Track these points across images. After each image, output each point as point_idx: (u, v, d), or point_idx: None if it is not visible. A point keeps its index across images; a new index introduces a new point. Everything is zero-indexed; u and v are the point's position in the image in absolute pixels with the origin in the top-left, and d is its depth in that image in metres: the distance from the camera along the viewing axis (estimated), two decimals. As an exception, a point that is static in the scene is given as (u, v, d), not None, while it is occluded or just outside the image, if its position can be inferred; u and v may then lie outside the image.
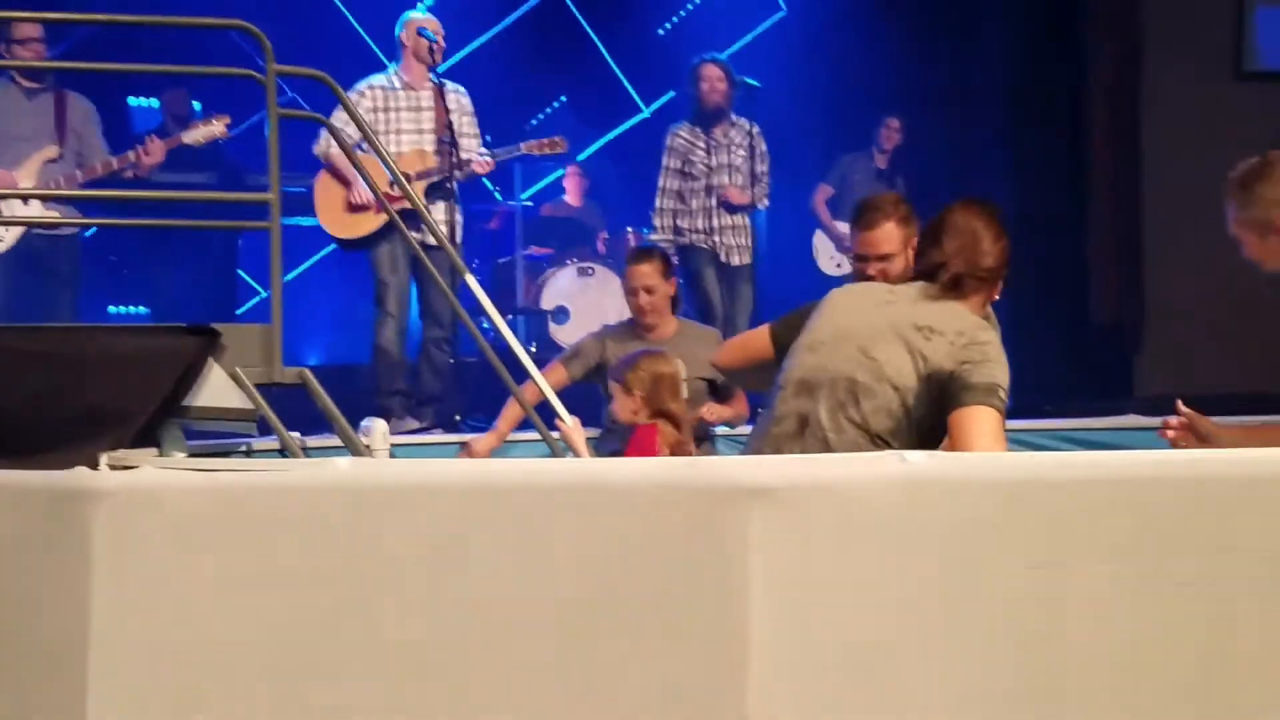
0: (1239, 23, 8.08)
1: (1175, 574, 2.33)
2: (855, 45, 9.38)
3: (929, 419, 3.31)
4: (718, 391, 5.58)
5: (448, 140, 6.63)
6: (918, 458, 2.43)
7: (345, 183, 6.66)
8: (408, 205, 5.30)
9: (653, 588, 2.32)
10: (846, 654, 2.30)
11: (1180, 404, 3.70)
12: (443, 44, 6.81)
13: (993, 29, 8.98)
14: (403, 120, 6.77)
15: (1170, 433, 3.79)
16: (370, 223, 6.65)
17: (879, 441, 3.28)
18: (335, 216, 6.76)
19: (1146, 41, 8.18)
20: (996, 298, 3.63)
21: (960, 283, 3.49)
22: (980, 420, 3.24)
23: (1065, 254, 8.26)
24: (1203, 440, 3.67)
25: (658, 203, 7.68)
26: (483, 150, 6.86)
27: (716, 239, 7.55)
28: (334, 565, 2.51)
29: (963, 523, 2.36)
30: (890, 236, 4.31)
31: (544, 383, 4.41)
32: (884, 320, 3.41)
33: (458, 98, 6.87)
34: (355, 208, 6.66)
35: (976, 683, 2.34)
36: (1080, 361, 7.99)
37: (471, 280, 4.45)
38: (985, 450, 3.17)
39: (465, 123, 6.87)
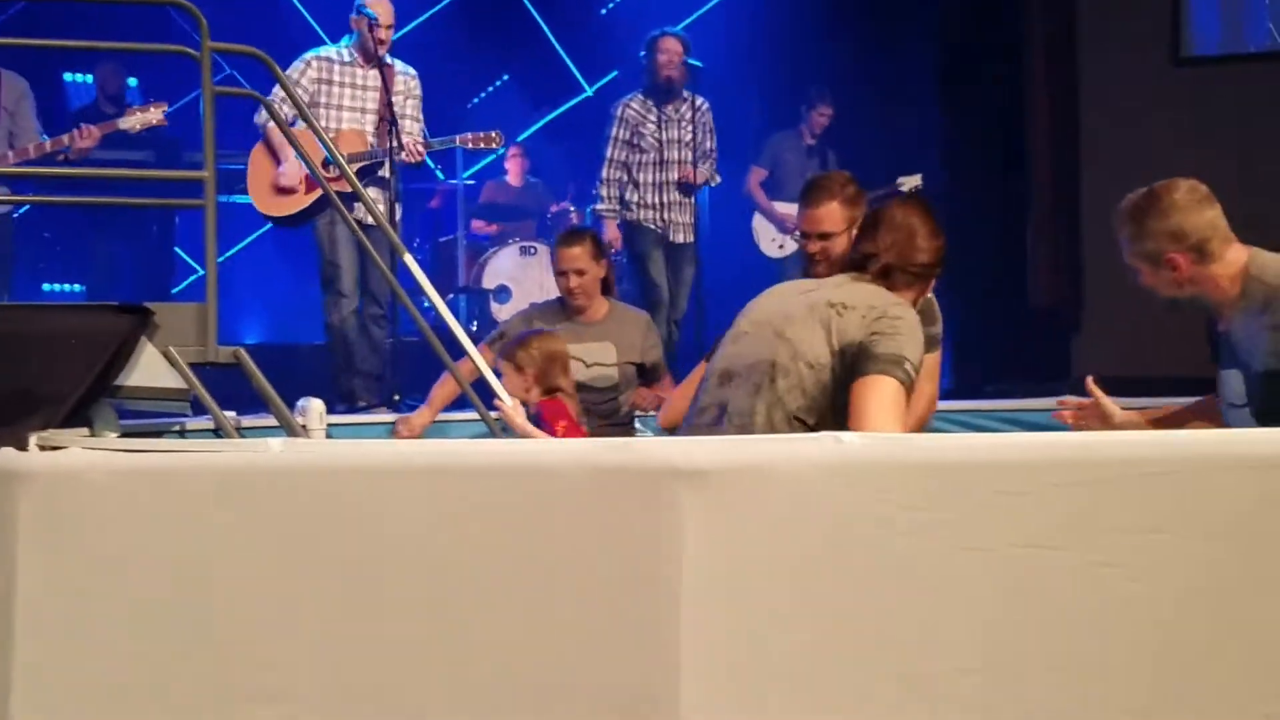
0: (1175, 8, 8.11)
1: (1105, 556, 2.34)
2: (794, 26, 9.40)
3: (846, 396, 3.26)
4: (646, 375, 5.57)
5: (389, 122, 6.56)
6: (853, 439, 2.42)
7: (278, 160, 6.58)
8: (346, 185, 5.25)
9: (586, 569, 2.31)
10: (779, 636, 2.30)
11: (1090, 382, 3.71)
12: (387, 28, 6.67)
13: (929, 10, 9.00)
14: (344, 96, 6.67)
15: (1066, 414, 3.82)
16: (299, 202, 6.57)
17: (795, 421, 3.25)
18: (264, 193, 6.66)
19: (1082, 26, 8.20)
20: (929, 295, 3.63)
21: (890, 274, 3.48)
22: (878, 390, 3.18)
23: (1004, 236, 8.30)
24: (1105, 422, 3.70)
25: (604, 173, 7.55)
26: (418, 140, 6.75)
27: (665, 216, 7.49)
28: (266, 546, 2.49)
29: (896, 505, 2.36)
30: (833, 215, 4.36)
31: (482, 361, 4.40)
32: (802, 304, 3.41)
33: (406, 80, 6.77)
34: (281, 189, 6.58)
35: (911, 665, 2.34)
36: (1019, 343, 8.03)
37: (409, 260, 4.42)
38: (878, 422, 3.11)
39: (410, 106, 6.76)
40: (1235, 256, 3.48)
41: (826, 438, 2.44)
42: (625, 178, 7.50)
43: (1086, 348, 7.98)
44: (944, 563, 2.35)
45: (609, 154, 7.51)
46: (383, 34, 6.63)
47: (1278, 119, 7.63)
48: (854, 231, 4.46)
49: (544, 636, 2.33)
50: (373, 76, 6.64)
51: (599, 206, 7.65)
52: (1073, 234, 8.06)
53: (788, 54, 9.37)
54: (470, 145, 7.10)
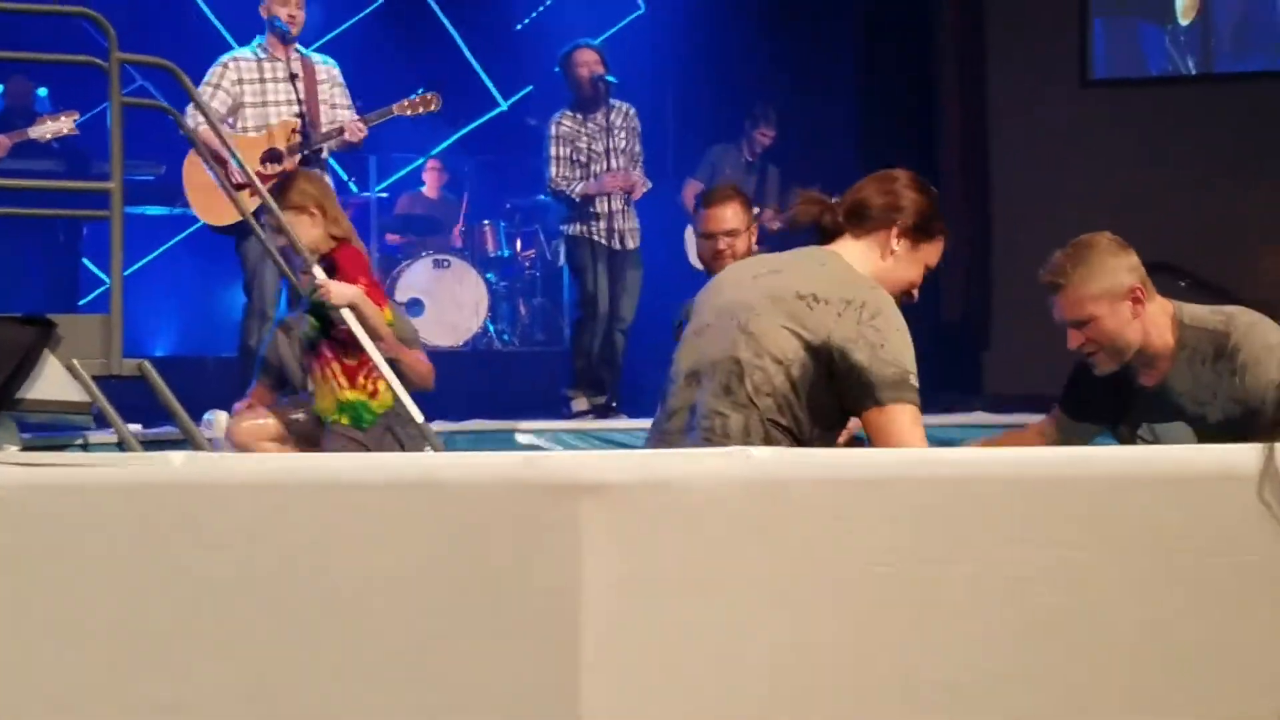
0: (1082, 33, 8.24)
1: (1020, 571, 2.34)
2: (714, 42, 9.44)
3: (823, 397, 3.10)
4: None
5: (319, 110, 6.45)
6: (763, 454, 2.42)
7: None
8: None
9: (485, 585, 2.29)
10: (682, 651, 2.30)
11: None
12: (297, 19, 6.52)
13: (845, 34, 9.09)
14: (267, 92, 6.55)
15: None
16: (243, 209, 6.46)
17: (767, 423, 3.09)
18: (205, 202, 6.48)
19: (993, 50, 8.32)
20: (897, 249, 3.31)
21: (862, 211, 3.30)
22: (897, 424, 3.04)
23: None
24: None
25: (556, 187, 7.48)
26: (356, 119, 6.63)
27: (607, 225, 7.44)
28: (168, 563, 2.45)
29: (805, 521, 2.34)
30: (737, 213, 4.78)
31: (390, 374, 4.34)
32: (765, 292, 3.19)
33: (328, 69, 6.68)
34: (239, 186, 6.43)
35: (816, 683, 2.33)
36: (931, 359, 8.09)
37: (318, 271, 4.38)
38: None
39: (337, 93, 6.65)
40: (1163, 305, 3.47)
41: (736, 452, 2.43)
42: (565, 191, 7.45)
43: (997, 364, 8.07)
44: (851, 578, 2.34)
45: (552, 173, 7.45)
46: (293, 11, 6.47)
47: (1178, 139, 7.77)
48: (753, 231, 4.70)
49: (442, 651, 2.31)
50: (292, 67, 6.52)
51: (568, 228, 7.53)
52: (983, 252, 8.16)
53: (710, 68, 9.41)
54: (410, 112, 6.92)
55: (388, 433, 4.74)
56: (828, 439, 3.17)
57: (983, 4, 8.30)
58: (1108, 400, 3.62)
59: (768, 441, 3.06)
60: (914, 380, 3.07)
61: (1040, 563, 2.35)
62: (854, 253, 3.28)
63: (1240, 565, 2.37)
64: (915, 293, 3.39)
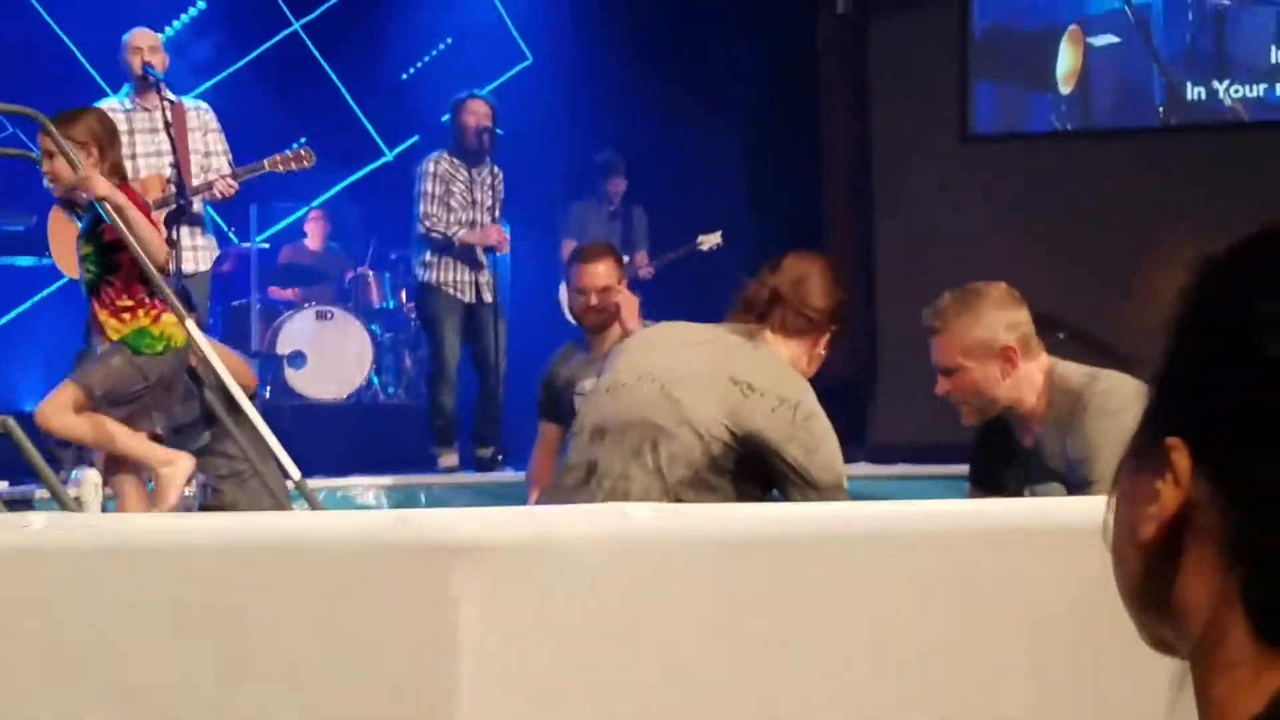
0: (963, 89, 8.38)
1: (910, 630, 2.33)
2: (600, 95, 9.45)
3: (744, 481, 3.10)
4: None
5: (189, 159, 6.32)
6: (640, 512, 2.38)
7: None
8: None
9: (361, 647, 2.23)
10: (560, 714, 2.25)
11: None
12: (151, 49, 6.38)
13: (730, 83, 9.15)
14: (136, 144, 6.40)
15: None
16: None
17: (671, 494, 3.04)
18: (68, 254, 6.34)
19: (875, 103, 8.41)
20: (823, 353, 3.46)
21: (779, 311, 3.34)
22: None
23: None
24: None
25: (426, 227, 7.40)
26: (225, 175, 6.51)
27: (467, 278, 7.38)
28: (26, 631, 2.36)
29: (685, 580, 2.32)
30: (610, 270, 4.90)
31: (263, 426, 4.24)
32: (695, 362, 3.19)
33: (199, 114, 6.53)
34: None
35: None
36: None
37: (191, 325, 4.28)
38: None
39: (211, 139, 6.52)
40: (1041, 363, 3.42)
41: (612, 510, 2.39)
42: (442, 232, 7.36)
43: (881, 415, 8.11)
44: (727, 637, 2.31)
45: (423, 209, 7.36)
46: (148, 56, 6.32)
47: (1057, 194, 7.90)
48: (624, 286, 4.78)
49: (313, 716, 2.24)
50: (158, 117, 6.37)
51: (423, 272, 7.44)
52: (867, 303, 8.21)
53: (594, 120, 9.42)
54: (281, 168, 6.77)
55: (261, 487, 4.64)
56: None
57: (866, 59, 8.40)
58: (1006, 466, 3.56)
59: None
60: (845, 485, 3.16)
61: (917, 617, 2.34)
62: (783, 345, 3.35)
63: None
64: None
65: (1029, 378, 3.38)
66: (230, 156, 6.56)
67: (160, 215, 6.17)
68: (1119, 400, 3.21)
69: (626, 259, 8.02)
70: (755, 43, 9.13)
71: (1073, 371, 3.41)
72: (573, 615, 2.26)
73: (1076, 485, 3.21)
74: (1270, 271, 0.81)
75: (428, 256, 7.37)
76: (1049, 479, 3.39)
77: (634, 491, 3.05)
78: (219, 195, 6.36)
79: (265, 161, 6.63)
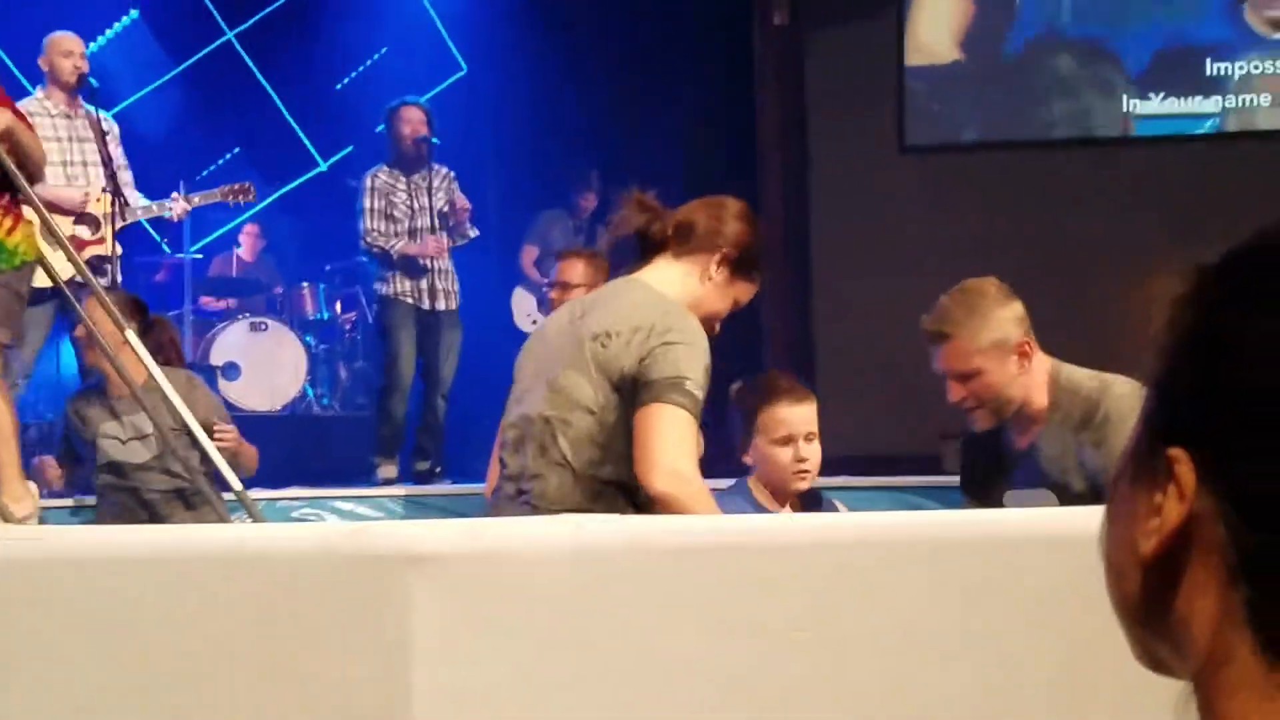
0: (900, 100, 8.43)
1: (861, 635, 2.32)
2: (538, 102, 9.44)
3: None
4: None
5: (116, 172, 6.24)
6: (594, 524, 2.36)
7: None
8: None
9: (313, 660, 2.19)
10: (516, 728, 2.22)
11: None
12: (83, 64, 6.27)
13: (671, 93, 9.16)
14: (73, 151, 6.30)
15: None
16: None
17: (588, 478, 2.98)
18: None
19: (813, 115, 8.45)
20: (722, 281, 3.21)
21: (688, 231, 3.19)
22: (655, 421, 2.88)
23: (738, 315, 8.44)
24: None
25: (370, 243, 7.35)
26: (176, 194, 6.49)
27: (422, 285, 7.33)
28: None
29: (637, 591, 2.30)
30: (586, 270, 5.18)
31: (204, 436, 4.19)
32: (568, 340, 3.10)
33: (111, 124, 6.46)
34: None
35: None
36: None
37: (131, 336, 4.22)
38: (662, 458, 2.84)
39: (119, 153, 6.45)
40: (1043, 360, 3.34)
41: (567, 521, 2.37)
42: (383, 247, 7.32)
43: (821, 430, 8.15)
44: (683, 649, 2.29)
45: (365, 225, 7.33)
46: (79, 61, 6.21)
47: (994, 203, 7.96)
48: (595, 286, 4.86)
49: (267, 735, 2.20)
50: (82, 125, 6.26)
51: (383, 287, 7.40)
52: (804, 313, 8.24)
53: (529, 130, 9.40)
54: (229, 199, 6.79)
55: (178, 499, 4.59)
56: None
57: (803, 70, 8.43)
58: (992, 471, 3.48)
59: (592, 498, 2.99)
60: (690, 387, 2.92)
61: (884, 626, 2.33)
62: (669, 273, 3.20)
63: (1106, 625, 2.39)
64: (717, 326, 3.28)
65: (1038, 374, 3.32)
66: (129, 172, 6.49)
67: (109, 231, 6.11)
68: (1138, 406, 3.16)
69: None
70: (692, 53, 9.14)
71: (1080, 375, 3.34)
72: (527, 626, 2.23)
73: (1098, 494, 3.12)
74: (1275, 281, 0.80)
75: (382, 270, 7.34)
76: (1040, 483, 3.32)
77: (550, 490, 2.99)
78: (175, 217, 6.35)
79: (217, 191, 6.69)
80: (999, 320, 3.27)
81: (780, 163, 8.48)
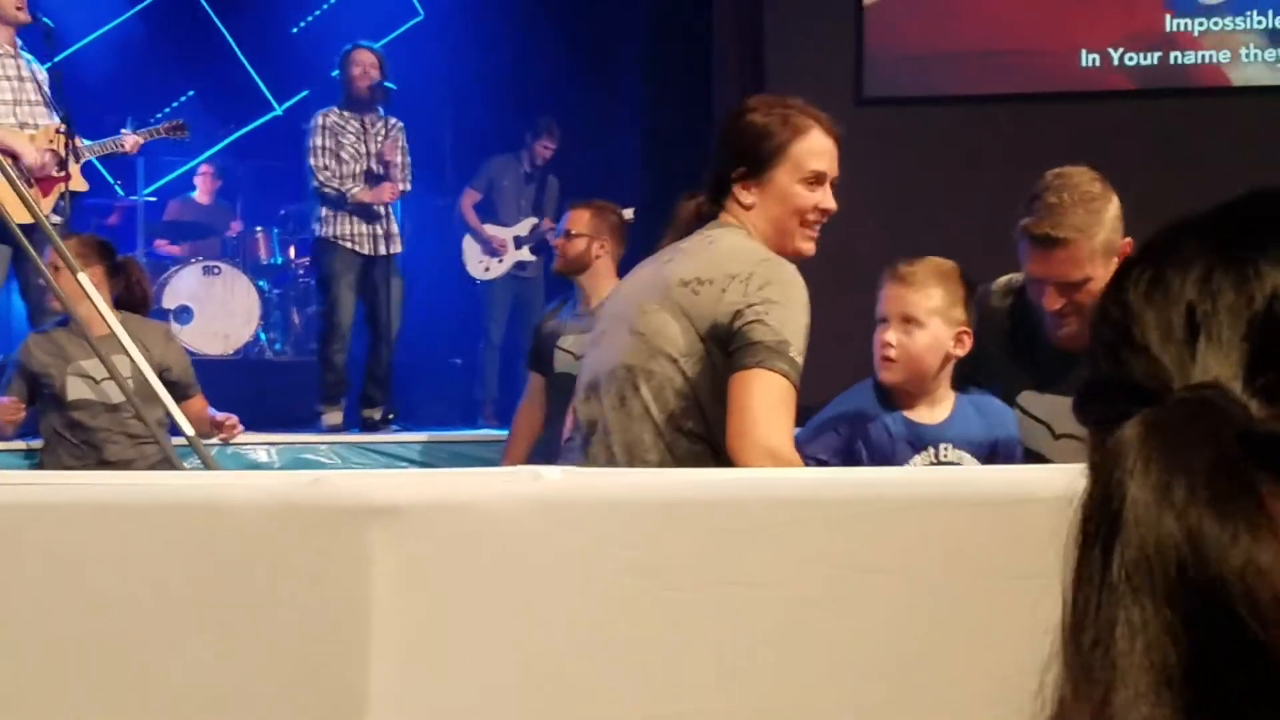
0: (859, 51, 8.41)
1: (807, 595, 2.32)
2: (494, 51, 9.38)
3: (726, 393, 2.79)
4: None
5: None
6: (554, 475, 2.35)
7: None
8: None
9: (271, 610, 2.19)
10: (476, 679, 2.23)
11: None
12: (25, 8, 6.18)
13: (627, 43, 9.12)
14: (28, 90, 6.22)
15: None
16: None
17: (671, 430, 2.82)
18: None
19: (770, 67, 8.43)
20: (747, 201, 3.00)
21: (717, 182, 3.03)
22: (754, 389, 2.70)
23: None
24: None
25: (316, 182, 7.29)
26: (125, 130, 6.45)
27: (364, 230, 7.28)
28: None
29: (599, 545, 2.29)
30: (584, 219, 5.28)
31: (152, 374, 4.14)
32: (652, 287, 2.93)
33: (40, 70, 6.38)
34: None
35: (618, 710, 2.29)
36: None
37: (84, 279, 4.17)
38: (761, 430, 2.67)
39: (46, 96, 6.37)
40: None
41: (526, 473, 2.36)
42: (336, 189, 7.26)
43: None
44: (645, 603, 2.29)
45: (315, 163, 7.27)
46: (19, 3, 6.13)
47: (953, 159, 7.97)
48: (601, 241, 4.95)
49: (222, 683, 2.20)
50: (23, 66, 6.17)
51: (322, 230, 7.34)
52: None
53: (492, 77, 9.33)
54: (165, 135, 6.74)
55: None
56: None
57: (761, 22, 8.40)
58: (1002, 365, 3.25)
59: (670, 451, 2.84)
60: (793, 353, 2.74)
61: (833, 585, 2.33)
62: (742, 215, 3.04)
63: (1046, 588, 2.39)
64: (823, 210, 3.09)
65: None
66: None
67: (77, 167, 6.05)
68: None
69: (536, 221, 8.01)
70: (650, 6, 9.10)
71: None
72: (489, 579, 2.23)
73: None
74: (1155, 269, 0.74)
75: (323, 211, 7.27)
76: (1065, 390, 3.03)
77: (629, 442, 2.85)
78: (127, 151, 6.34)
79: (160, 128, 6.72)
80: (1110, 220, 3.00)
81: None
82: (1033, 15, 8.35)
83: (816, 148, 3.08)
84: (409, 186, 7.50)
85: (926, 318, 3.13)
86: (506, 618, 2.22)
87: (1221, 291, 0.70)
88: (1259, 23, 8.16)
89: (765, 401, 2.69)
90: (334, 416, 7.26)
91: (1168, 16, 8.25)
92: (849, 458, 3.15)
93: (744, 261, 2.84)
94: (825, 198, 3.11)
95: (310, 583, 2.16)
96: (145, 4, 9.77)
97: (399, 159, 7.37)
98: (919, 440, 3.16)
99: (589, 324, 4.92)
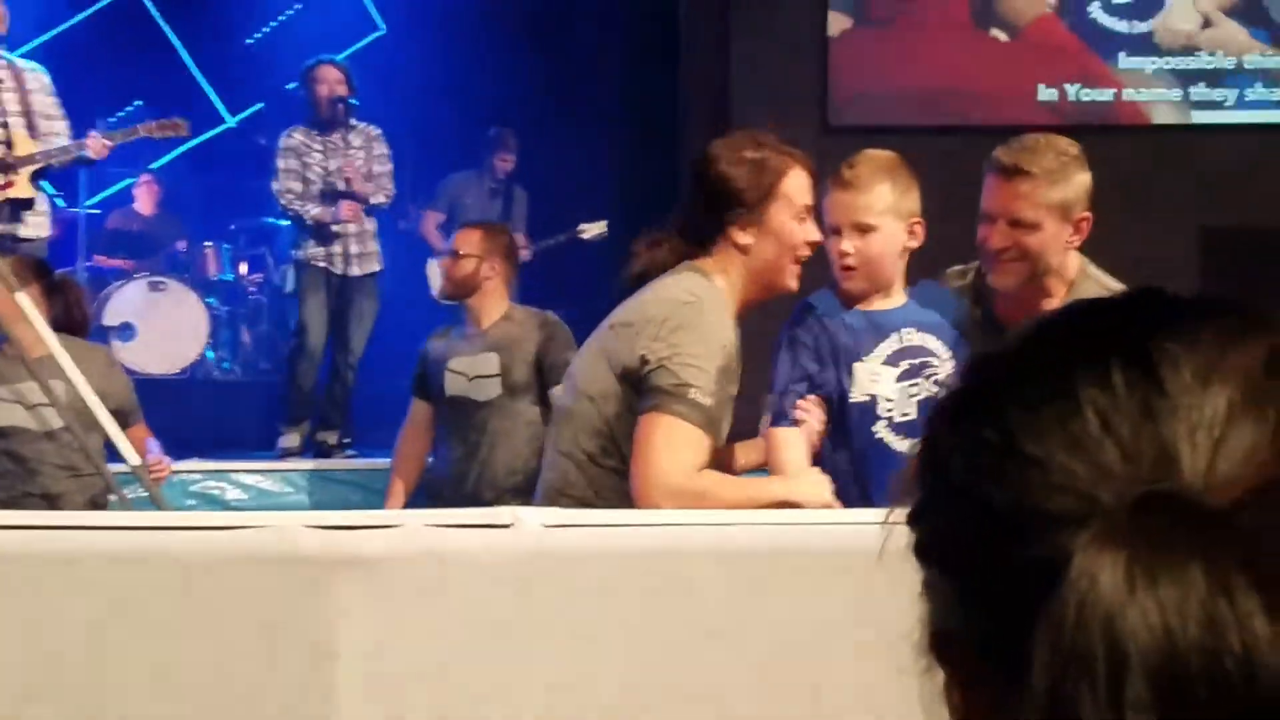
0: (824, 80, 8.37)
1: (809, 648, 2.22)
2: (458, 65, 9.24)
3: None
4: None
5: (37, 121, 5.97)
6: (531, 519, 2.23)
7: None
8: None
9: (237, 664, 2.03)
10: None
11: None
12: (4, 18, 6.02)
13: (594, 59, 9.03)
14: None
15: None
16: None
17: (591, 466, 2.87)
18: None
19: (736, 92, 8.36)
20: (757, 255, 3.00)
21: (703, 235, 3.00)
22: (652, 431, 2.74)
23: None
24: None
25: (283, 204, 7.14)
26: (93, 132, 6.17)
27: (334, 250, 7.11)
28: None
29: (569, 592, 2.20)
30: (475, 240, 5.03)
31: (95, 400, 3.95)
32: (600, 329, 3.00)
33: (37, 76, 6.18)
34: None
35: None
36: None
37: (22, 298, 3.97)
38: (652, 472, 2.71)
39: (50, 103, 6.15)
40: (1076, 253, 3.11)
41: (501, 516, 2.24)
42: (302, 208, 7.10)
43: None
44: (614, 649, 2.20)
45: (278, 186, 7.11)
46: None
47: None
48: (489, 259, 4.75)
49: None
50: (3, 73, 6.00)
51: (300, 251, 7.17)
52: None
53: (457, 92, 9.19)
54: (157, 134, 6.47)
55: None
56: None
57: (728, 48, 8.33)
58: (975, 340, 3.21)
59: (592, 486, 2.90)
60: (693, 395, 2.76)
61: (817, 636, 2.23)
62: (718, 265, 3.02)
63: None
64: (822, 244, 3.08)
65: (1075, 258, 3.10)
66: (68, 123, 6.21)
67: (25, 173, 5.82)
68: None
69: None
70: (618, 25, 9.00)
71: (1109, 278, 3.13)
72: (460, 632, 2.10)
73: None
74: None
75: (297, 233, 7.15)
76: None
77: (556, 479, 2.91)
78: (92, 158, 6.04)
79: (140, 126, 6.34)
80: (1076, 184, 3.02)
81: (703, 142, 8.35)
82: (991, 55, 8.39)
83: (804, 183, 3.10)
84: (391, 194, 7.31)
85: (878, 219, 3.10)
86: (480, 670, 2.10)
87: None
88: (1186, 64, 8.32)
89: (661, 442, 2.74)
90: (292, 439, 7.09)
91: (1109, 61, 8.34)
92: (823, 367, 3.13)
93: (666, 304, 2.87)
94: (814, 231, 3.11)
95: (276, 631, 2.01)
96: (93, 10, 9.58)
97: (379, 168, 7.20)
98: (880, 329, 3.13)
99: (479, 345, 4.93)
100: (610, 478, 2.89)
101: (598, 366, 2.91)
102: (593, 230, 8.01)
